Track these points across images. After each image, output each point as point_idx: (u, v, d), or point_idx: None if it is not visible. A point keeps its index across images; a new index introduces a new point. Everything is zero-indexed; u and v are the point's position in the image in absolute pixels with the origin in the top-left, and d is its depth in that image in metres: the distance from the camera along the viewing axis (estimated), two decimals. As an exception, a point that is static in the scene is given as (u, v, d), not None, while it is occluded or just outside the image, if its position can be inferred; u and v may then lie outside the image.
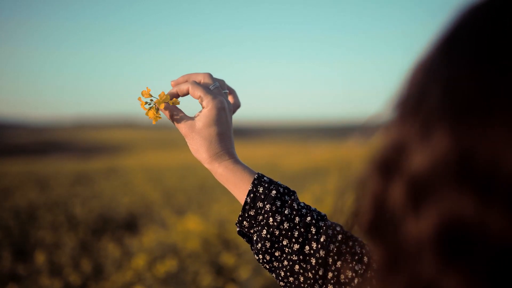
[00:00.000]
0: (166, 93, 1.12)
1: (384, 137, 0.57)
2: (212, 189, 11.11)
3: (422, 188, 0.51)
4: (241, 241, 5.53)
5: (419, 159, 0.51)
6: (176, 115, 1.11)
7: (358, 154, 0.64)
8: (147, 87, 1.13)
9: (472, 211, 0.47)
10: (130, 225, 7.81)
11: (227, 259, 5.07)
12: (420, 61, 0.58)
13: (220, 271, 5.21)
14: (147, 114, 1.12)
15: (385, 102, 0.62)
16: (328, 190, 8.80)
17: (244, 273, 4.64)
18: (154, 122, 1.13)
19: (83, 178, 13.72)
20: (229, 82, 1.21)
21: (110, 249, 5.71)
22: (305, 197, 8.08)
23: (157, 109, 1.12)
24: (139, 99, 1.12)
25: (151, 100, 1.12)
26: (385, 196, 0.54)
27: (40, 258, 5.30)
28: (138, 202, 9.16)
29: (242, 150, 32.01)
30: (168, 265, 4.79)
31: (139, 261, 4.94)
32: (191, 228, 6.08)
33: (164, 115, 1.13)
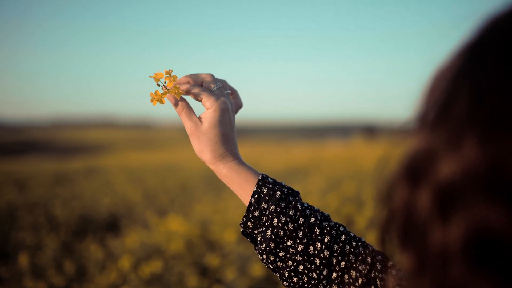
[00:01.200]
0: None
1: (411, 143, 0.58)
2: (193, 189, 11.07)
3: (450, 196, 0.52)
4: (225, 242, 5.53)
5: (448, 167, 0.52)
6: (186, 109, 1.11)
7: (385, 159, 0.64)
8: (165, 70, 1.12)
9: (502, 221, 0.48)
10: (112, 226, 7.75)
11: (212, 260, 5.06)
12: (444, 67, 0.59)
13: (204, 272, 5.20)
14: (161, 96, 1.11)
15: (409, 108, 0.63)
16: (310, 190, 8.83)
17: (230, 274, 4.64)
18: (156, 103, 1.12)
19: (62, 178, 13.56)
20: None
21: (93, 250, 5.66)
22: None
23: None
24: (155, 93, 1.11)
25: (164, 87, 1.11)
26: (413, 203, 0.55)
27: (24, 260, 5.24)
28: (119, 203, 9.09)
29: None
30: (153, 266, 4.77)
31: (125, 263, 4.91)
32: (174, 229, 6.05)
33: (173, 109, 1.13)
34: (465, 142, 0.52)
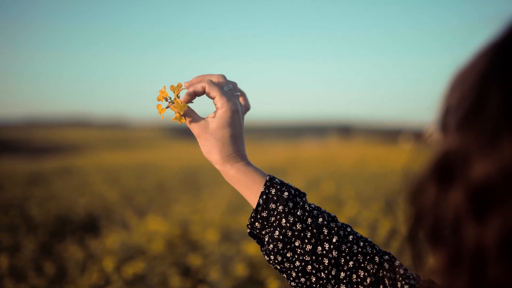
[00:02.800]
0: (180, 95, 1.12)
1: (440, 144, 0.58)
2: (171, 189, 11.04)
3: (485, 196, 0.52)
4: (207, 242, 5.51)
5: (483, 167, 0.52)
6: (190, 115, 1.11)
7: (413, 159, 0.65)
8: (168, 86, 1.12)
9: None
10: (90, 226, 7.67)
11: (194, 260, 5.04)
12: (465, 68, 0.60)
13: (186, 272, 5.18)
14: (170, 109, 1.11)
15: (434, 108, 0.63)
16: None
17: (213, 274, 4.63)
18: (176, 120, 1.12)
19: (37, 178, 13.37)
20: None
21: (73, 251, 5.60)
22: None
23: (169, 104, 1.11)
24: (159, 107, 1.11)
25: (169, 99, 1.11)
26: (445, 203, 0.55)
27: (3, 261, 5.15)
28: (97, 203, 9.00)
29: (197, 150, 31.93)
30: (135, 267, 4.74)
31: (108, 263, 4.87)
32: (155, 229, 6.03)
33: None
34: (500, 142, 0.52)
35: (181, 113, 1.10)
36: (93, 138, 50.28)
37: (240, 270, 4.59)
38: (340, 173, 14.11)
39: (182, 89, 1.12)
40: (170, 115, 1.12)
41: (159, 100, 1.11)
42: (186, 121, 1.11)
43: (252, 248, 4.84)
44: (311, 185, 9.89)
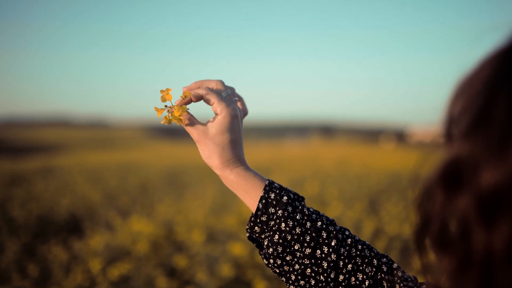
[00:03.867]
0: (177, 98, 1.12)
1: (447, 150, 0.59)
2: (154, 189, 10.99)
3: (494, 203, 0.53)
4: (192, 242, 5.50)
5: (492, 174, 0.53)
6: (190, 120, 1.11)
7: (419, 166, 0.66)
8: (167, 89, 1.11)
9: None
10: (73, 227, 7.61)
11: (179, 261, 5.03)
12: (471, 74, 0.60)
13: (172, 273, 5.17)
14: (170, 118, 1.11)
15: (439, 115, 0.64)
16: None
17: (200, 275, 4.62)
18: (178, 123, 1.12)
19: (18, 179, 13.21)
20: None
21: (56, 252, 5.55)
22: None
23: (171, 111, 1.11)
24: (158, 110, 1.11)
25: (169, 106, 1.11)
26: (452, 208, 0.57)
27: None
28: (79, 204, 8.92)
29: (180, 150, 31.79)
30: (121, 268, 4.71)
31: (95, 265, 4.83)
32: (139, 230, 6.00)
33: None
34: (509, 149, 0.53)
35: (181, 117, 1.10)
36: (74, 138, 49.88)
37: (226, 270, 4.59)
38: (323, 173, 14.16)
39: (170, 90, 1.11)
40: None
41: (163, 101, 1.10)
42: (185, 126, 1.12)
43: (237, 248, 4.84)
44: (295, 185, 9.91)
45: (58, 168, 16.70)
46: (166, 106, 1.11)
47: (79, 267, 5.03)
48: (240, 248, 4.84)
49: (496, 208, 0.53)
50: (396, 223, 6.08)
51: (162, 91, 1.10)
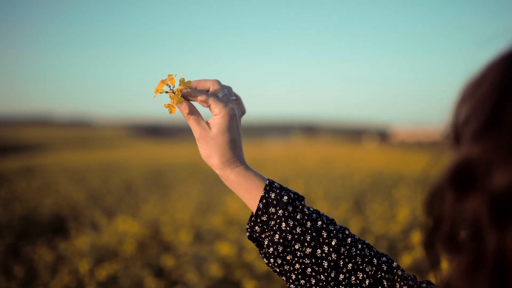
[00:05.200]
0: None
1: (458, 153, 0.60)
2: (138, 189, 10.95)
3: (507, 203, 0.55)
4: (179, 242, 5.49)
5: (504, 177, 0.55)
6: (194, 114, 1.11)
7: (429, 168, 0.67)
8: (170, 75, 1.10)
9: None
10: (57, 228, 7.54)
11: (167, 261, 5.01)
12: (477, 77, 0.62)
13: (160, 273, 5.15)
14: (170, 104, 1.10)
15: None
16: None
17: (189, 275, 4.61)
18: (173, 111, 1.11)
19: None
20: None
21: (42, 253, 5.49)
22: (236, 197, 8.11)
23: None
24: (159, 86, 1.10)
25: (170, 90, 1.10)
26: (463, 209, 0.58)
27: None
28: (63, 204, 8.85)
29: (162, 149, 31.66)
30: (108, 269, 4.68)
31: (84, 265, 4.80)
32: (125, 230, 5.97)
33: (179, 112, 1.12)
34: None
35: (174, 104, 1.09)
36: (56, 137, 49.42)
37: (215, 270, 4.58)
38: (307, 173, 14.20)
39: (187, 88, 1.11)
40: (164, 101, 1.11)
41: (164, 82, 1.09)
42: (189, 120, 1.11)
43: (225, 248, 4.84)
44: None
45: (40, 168, 16.56)
46: (169, 89, 1.10)
47: (65, 268, 4.99)
48: (227, 248, 4.83)
49: (508, 209, 0.55)
50: (382, 222, 6.12)
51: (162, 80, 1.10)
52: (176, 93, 1.09)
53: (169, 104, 1.10)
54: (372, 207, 7.37)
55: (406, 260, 4.53)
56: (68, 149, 34.00)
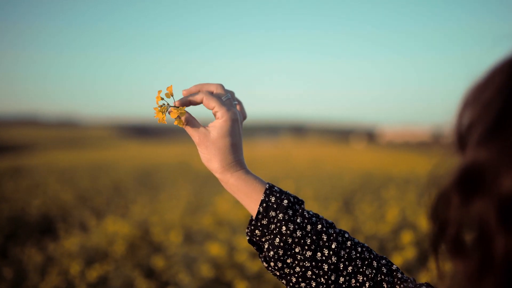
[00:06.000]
0: (178, 100, 1.11)
1: (464, 156, 0.61)
2: (127, 189, 10.90)
3: None
4: (169, 243, 5.48)
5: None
6: (191, 122, 1.11)
7: (435, 171, 0.67)
8: (168, 88, 1.11)
9: None
10: (46, 228, 7.49)
11: (157, 262, 5.00)
12: (482, 83, 0.62)
13: (150, 274, 5.13)
14: (162, 116, 1.10)
15: (451, 119, 0.65)
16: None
17: (181, 276, 4.61)
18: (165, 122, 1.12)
19: (-14, 179, 12.96)
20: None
21: (31, 254, 5.45)
22: (226, 197, 8.10)
23: (168, 112, 1.10)
24: (157, 98, 1.10)
25: (165, 104, 1.10)
26: (470, 213, 0.58)
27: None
28: (51, 204, 8.79)
29: (151, 150, 31.55)
30: (99, 270, 4.66)
31: (75, 266, 4.77)
32: (115, 230, 5.95)
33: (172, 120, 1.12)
34: None
35: (181, 117, 1.10)
36: (42, 137, 49.05)
37: (206, 271, 4.58)
38: (296, 173, 14.22)
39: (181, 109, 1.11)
40: (168, 118, 1.12)
41: (158, 99, 1.09)
42: (187, 128, 1.12)
43: (215, 249, 4.83)
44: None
45: (27, 168, 16.43)
46: (163, 104, 1.10)
47: (54, 269, 4.96)
48: (217, 248, 4.83)
49: None
50: (372, 222, 6.15)
51: (159, 92, 1.10)
52: (173, 110, 1.09)
53: (159, 114, 1.10)
54: (362, 207, 7.40)
55: (396, 261, 4.56)
56: (56, 149, 33.77)
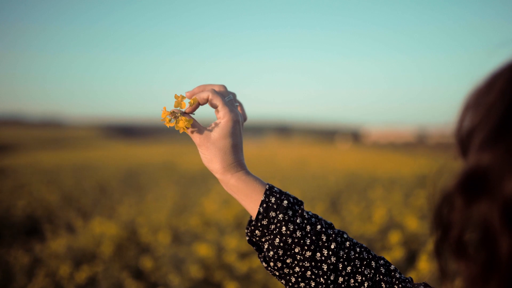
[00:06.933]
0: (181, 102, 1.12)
1: (467, 159, 0.62)
2: (112, 190, 10.84)
3: None
4: (157, 244, 5.47)
5: None
6: (192, 124, 1.12)
7: (438, 173, 0.68)
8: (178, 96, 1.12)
9: None
10: (32, 230, 7.44)
11: (146, 262, 4.98)
12: (482, 88, 0.63)
13: (138, 275, 5.12)
14: (177, 124, 1.11)
15: (453, 122, 0.67)
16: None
17: (171, 276, 4.60)
18: (182, 131, 1.13)
19: (-31, 179, 12.81)
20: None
21: (18, 256, 5.40)
22: (213, 198, 8.09)
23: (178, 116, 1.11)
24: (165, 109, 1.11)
25: (176, 112, 1.12)
26: (473, 215, 0.59)
27: None
28: (36, 205, 8.71)
29: (136, 150, 31.37)
30: (88, 271, 4.64)
31: (64, 268, 4.74)
32: (102, 231, 5.92)
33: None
34: None
35: (188, 126, 1.11)
36: (26, 138, 48.51)
37: (194, 271, 4.58)
38: (282, 173, 14.24)
39: (185, 98, 1.13)
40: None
41: (176, 106, 1.11)
42: (187, 130, 1.13)
43: (203, 249, 4.83)
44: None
45: (11, 168, 16.27)
46: (174, 111, 1.12)
47: (42, 271, 4.92)
48: (206, 249, 4.83)
49: None
50: (359, 222, 6.18)
51: (176, 96, 1.11)
52: (182, 119, 1.11)
53: (166, 119, 1.12)
54: (349, 208, 7.44)
55: (384, 260, 4.58)
56: (40, 149, 33.41)
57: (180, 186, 11.12)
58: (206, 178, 12.78)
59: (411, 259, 5.19)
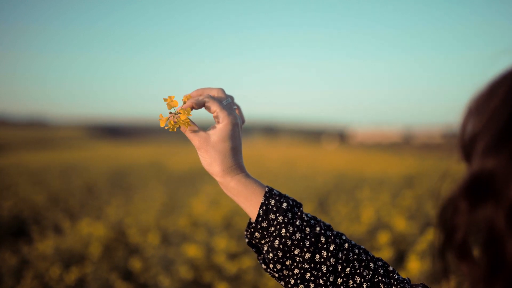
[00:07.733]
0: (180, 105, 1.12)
1: (472, 164, 0.63)
2: (99, 191, 10.79)
3: None
4: (146, 245, 5.45)
5: None
6: (191, 126, 1.12)
7: (442, 178, 0.69)
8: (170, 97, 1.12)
9: None
10: (18, 231, 7.38)
11: (135, 263, 4.97)
12: (485, 94, 0.64)
13: (128, 276, 5.09)
14: (172, 124, 1.12)
15: (458, 127, 0.67)
16: (222, 191, 8.84)
17: (161, 277, 4.58)
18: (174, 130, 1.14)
19: (-47, 180, 12.67)
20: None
21: (5, 257, 5.34)
22: (201, 198, 8.09)
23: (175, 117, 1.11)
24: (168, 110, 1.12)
25: (173, 112, 1.12)
26: (478, 219, 0.60)
27: None
28: (23, 206, 8.64)
29: (123, 150, 31.24)
30: (77, 272, 4.61)
31: (55, 270, 4.71)
32: (90, 232, 5.89)
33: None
34: None
35: (187, 120, 1.11)
36: (11, 138, 48.08)
37: (184, 272, 4.57)
38: (270, 173, 14.26)
39: (173, 96, 1.13)
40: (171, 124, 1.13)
41: (169, 108, 1.12)
42: (186, 132, 1.13)
43: (192, 250, 4.82)
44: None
45: (-3, 169, 16.13)
46: (170, 112, 1.12)
47: (30, 272, 4.88)
48: (195, 250, 4.82)
49: None
50: (347, 223, 6.21)
51: (165, 99, 1.12)
52: (182, 112, 1.11)
53: (171, 122, 1.12)
54: (337, 208, 7.46)
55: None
56: (25, 149, 33.13)
57: (168, 186, 11.10)
58: (194, 178, 12.78)
59: (399, 259, 5.22)
